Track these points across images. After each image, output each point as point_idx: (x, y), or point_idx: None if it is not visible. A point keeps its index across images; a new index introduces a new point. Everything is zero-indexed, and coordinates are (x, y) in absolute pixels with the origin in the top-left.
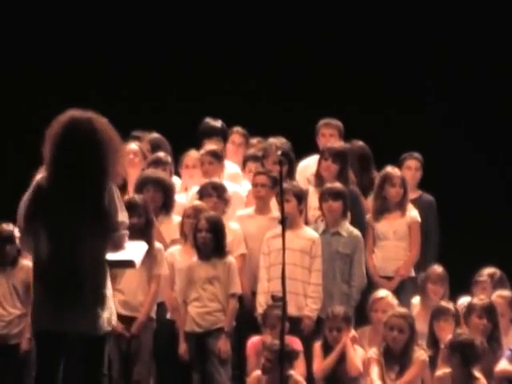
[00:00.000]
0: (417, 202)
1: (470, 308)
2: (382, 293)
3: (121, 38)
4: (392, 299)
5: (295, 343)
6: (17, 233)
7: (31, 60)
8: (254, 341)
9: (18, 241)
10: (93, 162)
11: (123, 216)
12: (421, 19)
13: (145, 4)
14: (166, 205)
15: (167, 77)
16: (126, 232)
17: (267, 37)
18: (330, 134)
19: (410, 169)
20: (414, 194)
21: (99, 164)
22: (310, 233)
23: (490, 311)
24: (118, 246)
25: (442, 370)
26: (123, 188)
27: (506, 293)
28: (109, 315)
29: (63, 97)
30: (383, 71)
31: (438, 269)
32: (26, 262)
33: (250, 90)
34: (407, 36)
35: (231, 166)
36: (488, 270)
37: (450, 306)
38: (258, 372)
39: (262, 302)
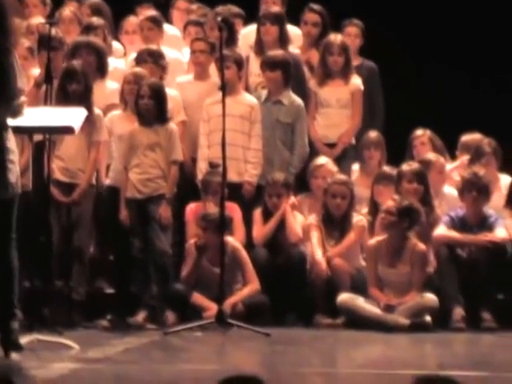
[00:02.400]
0: (358, 69)
1: (400, 174)
2: (322, 160)
3: None
4: (332, 166)
5: (233, 209)
6: None
7: None
8: (192, 207)
9: None
10: None
11: (22, 83)
12: None
13: None
14: (100, 69)
15: None
16: (25, 100)
17: None
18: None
19: (349, 35)
20: (354, 61)
21: None
22: (249, 99)
23: (420, 175)
24: (17, 114)
25: (375, 239)
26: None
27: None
28: (14, 180)
29: None
30: None
31: (372, 134)
32: None
33: None
34: None
35: (171, 29)
36: (420, 130)
37: (394, 171)
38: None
39: (202, 169)
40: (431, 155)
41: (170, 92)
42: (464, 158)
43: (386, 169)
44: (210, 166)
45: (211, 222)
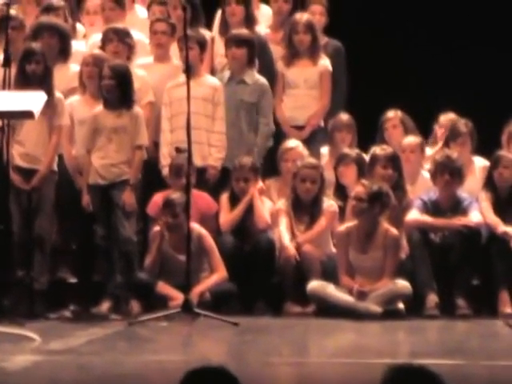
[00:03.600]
0: (324, 49)
1: (374, 158)
2: (292, 143)
3: None
4: (302, 149)
5: (202, 199)
6: None
7: None
8: (156, 199)
9: None
10: None
11: None
12: None
13: None
14: (63, 51)
15: None
16: None
17: None
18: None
19: (314, 14)
20: (321, 41)
21: None
22: (211, 80)
23: (393, 160)
24: None
25: (346, 225)
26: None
27: (416, 138)
28: None
29: None
30: None
31: (343, 116)
32: None
33: None
34: None
35: (142, 11)
36: (391, 112)
37: (353, 152)
38: (158, 228)
39: (165, 154)
40: (410, 139)
41: (138, 72)
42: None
43: (346, 150)
44: (175, 151)
45: (175, 207)
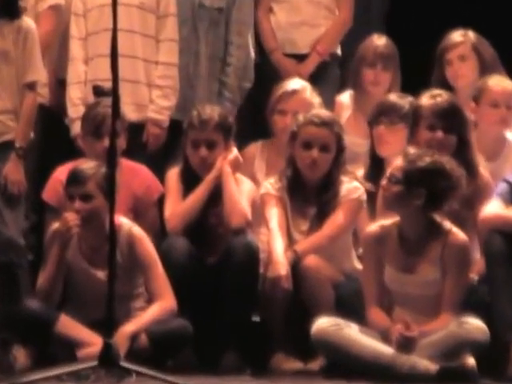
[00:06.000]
0: None
1: (418, 112)
2: (295, 84)
3: None
4: (311, 94)
5: (137, 175)
6: None
7: None
8: (58, 176)
9: None
10: None
11: None
12: None
13: None
14: None
15: None
16: None
17: None
18: None
19: None
20: None
21: None
22: None
23: (452, 115)
24: None
25: (379, 223)
26: None
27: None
28: None
29: None
30: None
31: (378, 40)
32: None
33: None
34: None
35: None
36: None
37: (399, 100)
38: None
39: (75, 99)
40: (494, 81)
41: None
42: None
43: (392, 96)
44: (93, 94)
45: (87, 183)
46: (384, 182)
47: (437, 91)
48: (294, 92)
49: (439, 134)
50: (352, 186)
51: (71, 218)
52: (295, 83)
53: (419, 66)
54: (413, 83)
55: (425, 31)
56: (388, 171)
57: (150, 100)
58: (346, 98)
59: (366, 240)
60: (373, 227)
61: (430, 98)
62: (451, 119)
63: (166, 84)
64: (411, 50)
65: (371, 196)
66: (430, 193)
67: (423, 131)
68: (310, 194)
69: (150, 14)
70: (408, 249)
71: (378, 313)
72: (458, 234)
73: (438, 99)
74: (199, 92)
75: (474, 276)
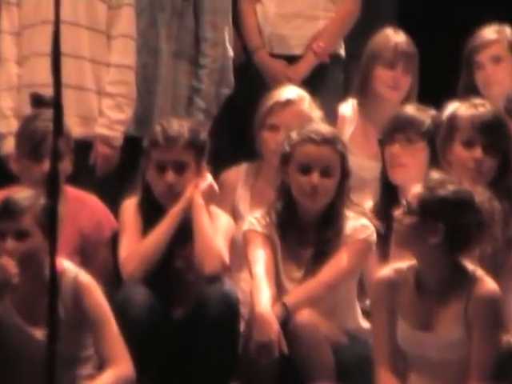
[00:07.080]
0: None
1: (452, 123)
2: (290, 92)
3: None
4: (310, 106)
5: (86, 207)
6: None
7: None
8: None
9: None
10: None
11: None
12: None
13: None
14: None
15: None
16: None
17: None
18: None
19: None
20: None
21: None
22: None
23: (494, 131)
24: None
25: (392, 266)
26: None
27: None
28: None
29: None
30: None
31: (395, 36)
32: None
33: None
34: None
35: None
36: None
37: (423, 114)
38: None
39: (6, 111)
40: None
41: None
42: None
43: (410, 109)
44: (31, 103)
45: (21, 217)
46: (397, 212)
47: (478, 100)
48: (289, 103)
49: (478, 152)
50: (359, 223)
51: (9, 264)
52: (290, 92)
53: (438, 71)
54: (430, 92)
55: (447, 27)
56: (403, 200)
57: (100, 112)
58: (347, 109)
59: (377, 286)
60: (385, 271)
61: (470, 107)
62: (494, 135)
63: (119, 92)
64: (428, 52)
65: (383, 238)
66: (450, 229)
67: (457, 147)
68: (307, 232)
69: (101, 3)
70: (426, 300)
71: (390, 380)
72: (487, 282)
73: (481, 109)
74: (160, 100)
75: (508, 337)
